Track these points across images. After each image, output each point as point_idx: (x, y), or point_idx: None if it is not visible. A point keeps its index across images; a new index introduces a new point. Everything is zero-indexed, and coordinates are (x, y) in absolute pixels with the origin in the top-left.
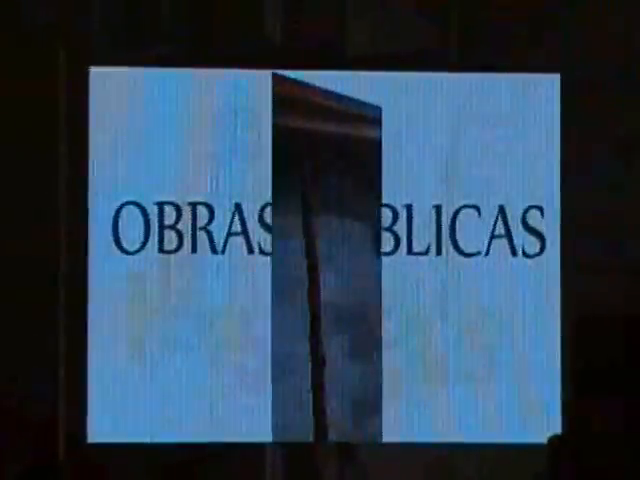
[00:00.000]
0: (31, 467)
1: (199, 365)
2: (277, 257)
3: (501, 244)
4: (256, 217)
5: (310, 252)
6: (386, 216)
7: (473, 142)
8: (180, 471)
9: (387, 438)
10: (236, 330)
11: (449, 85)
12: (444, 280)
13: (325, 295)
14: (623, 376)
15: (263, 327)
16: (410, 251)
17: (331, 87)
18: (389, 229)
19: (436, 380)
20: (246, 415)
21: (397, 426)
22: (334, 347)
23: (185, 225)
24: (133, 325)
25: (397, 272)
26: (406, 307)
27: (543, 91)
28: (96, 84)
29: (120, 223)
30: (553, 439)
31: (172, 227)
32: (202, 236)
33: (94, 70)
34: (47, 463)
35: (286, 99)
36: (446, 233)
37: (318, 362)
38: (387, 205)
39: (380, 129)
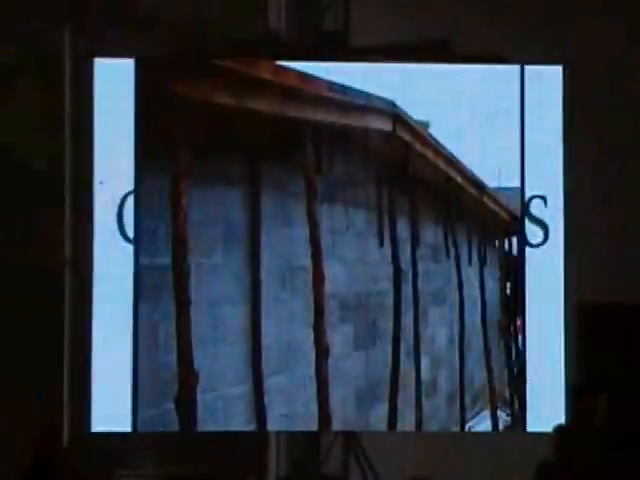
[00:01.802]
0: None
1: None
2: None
3: None
4: None
5: (315, 240)
6: None
7: (476, 132)
8: None
9: None
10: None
11: (452, 76)
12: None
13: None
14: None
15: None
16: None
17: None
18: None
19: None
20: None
21: None
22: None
23: None
24: None
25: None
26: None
27: (546, 82)
28: (100, 75)
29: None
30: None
31: None
32: None
33: (98, 61)
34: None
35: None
36: None
37: (322, 352)
38: None
39: (390, 121)
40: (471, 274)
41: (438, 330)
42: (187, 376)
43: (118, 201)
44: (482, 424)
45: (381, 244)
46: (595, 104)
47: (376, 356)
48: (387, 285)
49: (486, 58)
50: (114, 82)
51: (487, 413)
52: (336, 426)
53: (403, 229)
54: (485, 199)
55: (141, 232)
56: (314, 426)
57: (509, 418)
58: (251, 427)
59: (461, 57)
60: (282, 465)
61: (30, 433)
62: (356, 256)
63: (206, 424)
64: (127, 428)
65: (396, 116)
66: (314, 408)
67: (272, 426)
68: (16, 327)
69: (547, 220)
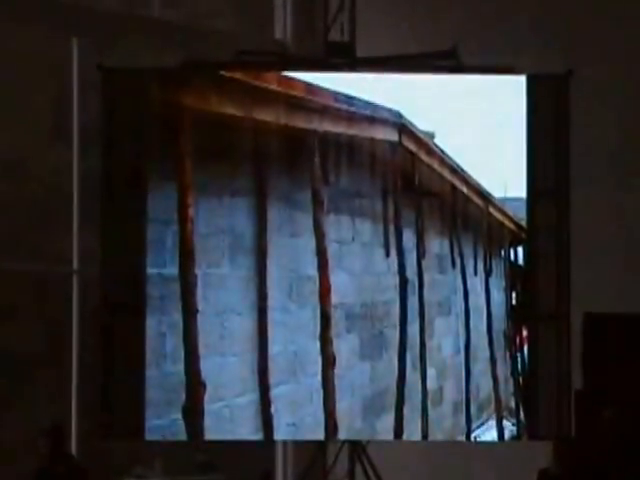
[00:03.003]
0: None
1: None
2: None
3: None
4: None
5: (321, 251)
6: None
7: (478, 140)
8: None
9: None
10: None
11: (454, 86)
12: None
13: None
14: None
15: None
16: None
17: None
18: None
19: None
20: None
21: None
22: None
23: None
24: None
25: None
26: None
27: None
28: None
29: None
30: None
31: None
32: None
33: (106, 67)
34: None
35: (295, 100)
36: None
37: (328, 361)
38: None
39: (396, 131)
40: (477, 284)
41: (444, 340)
42: (195, 386)
43: None
44: (488, 433)
45: (387, 254)
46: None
47: (382, 366)
48: (393, 295)
49: (493, 69)
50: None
51: (493, 422)
52: (342, 435)
53: (409, 239)
54: (491, 209)
55: (148, 243)
56: (321, 435)
57: (515, 427)
58: (258, 436)
59: (468, 68)
60: (289, 473)
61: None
62: (362, 266)
63: (214, 433)
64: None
65: (402, 126)
66: (321, 417)
67: (279, 435)
68: None
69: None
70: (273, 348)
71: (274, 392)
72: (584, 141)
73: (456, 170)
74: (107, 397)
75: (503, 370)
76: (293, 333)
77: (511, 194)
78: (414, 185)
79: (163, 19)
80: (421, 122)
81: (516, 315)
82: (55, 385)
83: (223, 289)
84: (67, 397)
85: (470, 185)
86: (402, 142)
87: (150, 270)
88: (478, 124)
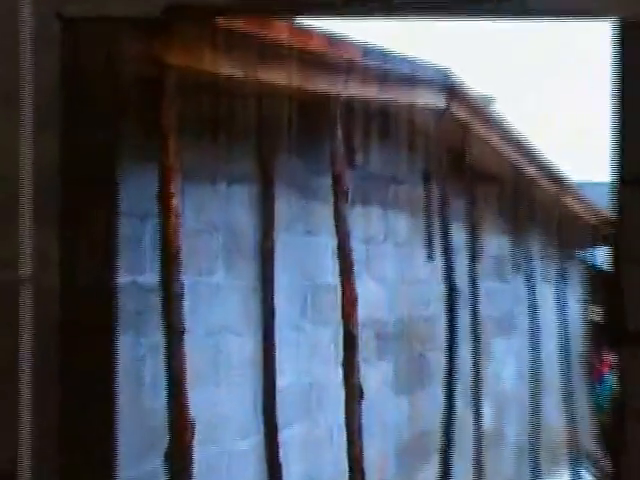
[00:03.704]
0: None
1: None
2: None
3: None
4: None
5: (344, 253)
6: None
7: (549, 107)
8: None
9: None
10: None
11: (519, 38)
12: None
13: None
14: None
15: None
16: None
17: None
18: None
19: None
20: None
21: None
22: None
23: None
24: None
25: None
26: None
27: None
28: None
29: None
30: None
31: None
32: None
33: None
34: None
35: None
36: None
37: (353, 395)
38: None
39: (443, 95)
40: (546, 294)
41: (504, 366)
42: (181, 425)
43: None
44: None
45: (430, 257)
46: None
47: (423, 400)
48: (438, 309)
49: (570, 12)
50: None
51: (567, 471)
52: None
53: (459, 237)
54: (566, 197)
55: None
56: None
57: (595, 478)
58: None
59: (537, 11)
60: None
61: None
62: (397, 273)
63: None
64: None
65: (451, 89)
66: (344, 466)
67: None
68: None
69: None
70: (282, 378)
71: (283, 434)
72: None
73: (521, 146)
74: (68, 438)
75: (580, 404)
76: (308, 359)
77: (594, 178)
78: (465, 166)
79: None
80: (477, 83)
81: (597, 334)
82: (2, 421)
83: (217, 302)
84: (16, 437)
85: (539, 165)
86: (451, 109)
87: (123, 278)
88: (549, 86)
